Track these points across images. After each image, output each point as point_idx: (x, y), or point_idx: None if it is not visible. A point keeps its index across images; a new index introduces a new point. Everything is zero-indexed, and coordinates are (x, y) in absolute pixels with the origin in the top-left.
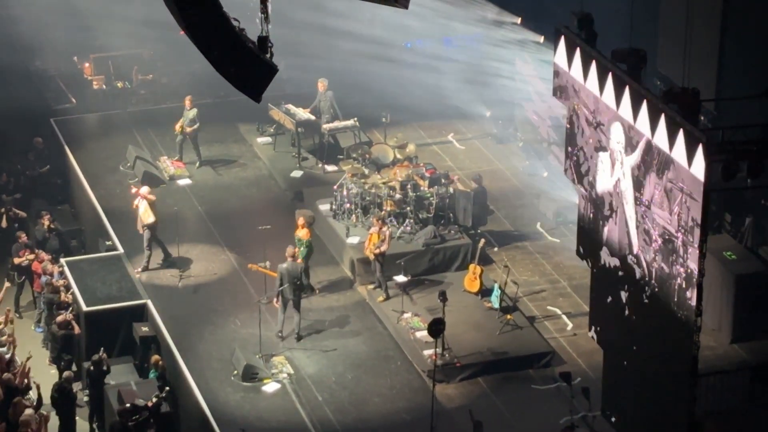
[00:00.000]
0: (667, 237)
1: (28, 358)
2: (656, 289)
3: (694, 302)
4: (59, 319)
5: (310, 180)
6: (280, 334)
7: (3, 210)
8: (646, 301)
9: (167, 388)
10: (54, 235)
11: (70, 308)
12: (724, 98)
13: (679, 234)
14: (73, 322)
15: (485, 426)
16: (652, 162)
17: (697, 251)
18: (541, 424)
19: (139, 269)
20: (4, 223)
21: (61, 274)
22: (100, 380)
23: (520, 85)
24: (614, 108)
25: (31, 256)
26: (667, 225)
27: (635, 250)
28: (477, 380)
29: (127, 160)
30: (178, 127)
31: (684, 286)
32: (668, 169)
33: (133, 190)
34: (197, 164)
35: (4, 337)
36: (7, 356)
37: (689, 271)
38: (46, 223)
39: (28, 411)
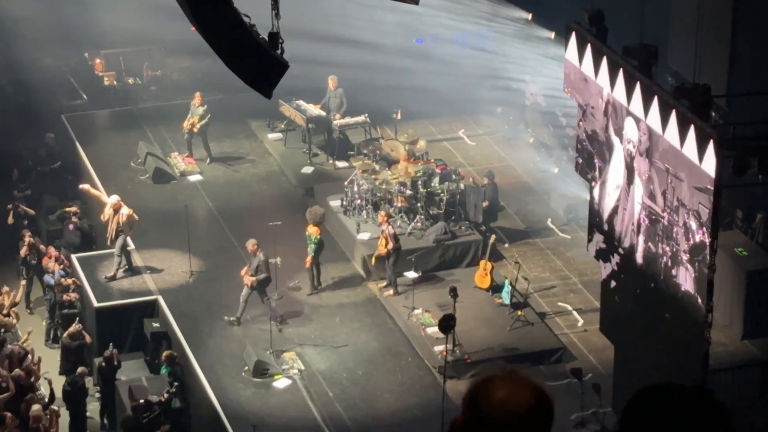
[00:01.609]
0: (653, 217)
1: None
2: (643, 268)
3: (679, 280)
4: (71, 330)
5: (320, 176)
6: (279, 324)
7: (11, 206)
8: (655, 296)
9: (176, 383)
10: (75, 228)
11: (75, 308)
12: (736, 94)
13: (665, 214)
14: (84, 332)
15: None
16: (654, 151)
17: (683, 229)
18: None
19: (118, 272)
20: (10, 220)
21: (66, 271)
22: (111, 376)
23: (530, 81)
24: (625, 104)
25: (29, 238)
26: (652, 205)
27: (645, 244)
28: None
29: (138, 156)
30: (186, 125)
31: (669, 264)
32: (656, 149)
33: (114, 198)
34: (207, 161)
35: (21, 338)
36: (15, 345)
37: (674, 249)
38: (72, 209)
39: (36, 406)
